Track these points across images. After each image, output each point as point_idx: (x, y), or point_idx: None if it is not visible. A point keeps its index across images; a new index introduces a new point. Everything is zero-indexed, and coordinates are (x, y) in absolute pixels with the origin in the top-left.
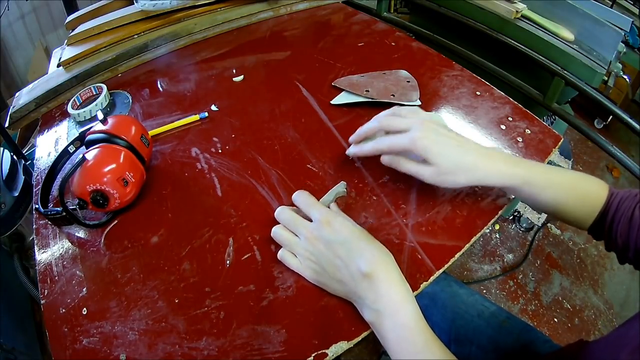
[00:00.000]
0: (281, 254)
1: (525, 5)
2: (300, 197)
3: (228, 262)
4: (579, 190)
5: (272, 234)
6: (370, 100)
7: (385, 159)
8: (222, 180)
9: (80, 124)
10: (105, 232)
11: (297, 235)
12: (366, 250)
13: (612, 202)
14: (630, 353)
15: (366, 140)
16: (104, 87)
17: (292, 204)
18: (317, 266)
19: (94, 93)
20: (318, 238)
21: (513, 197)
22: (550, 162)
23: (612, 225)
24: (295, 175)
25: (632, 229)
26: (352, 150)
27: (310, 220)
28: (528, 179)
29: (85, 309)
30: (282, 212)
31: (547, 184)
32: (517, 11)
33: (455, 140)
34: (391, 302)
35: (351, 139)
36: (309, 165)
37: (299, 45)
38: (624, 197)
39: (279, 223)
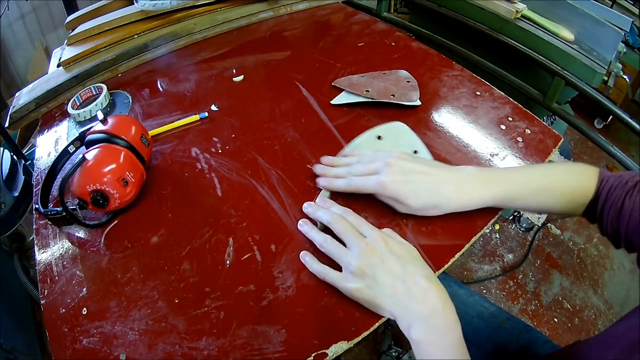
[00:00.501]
0: (322, 271)
1: (525, 5)
2: (343, 222)
3: (228, 262)
4: (566, 188)
5: (320, 244)
6: (370, 100)
7: (346, 182)
8: (222, 180)
9: (80, 124)
10: (105, 232)
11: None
12: (421, 267)
13: (602, 190)
14: (618, 352)
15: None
16: (104, 87)
17: (292, 204)
18: (369, 279)
19: (94, 93)
20: (374, 251)
21: None
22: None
23: (602, 215)
24: (295, 175)
25: (622, 219)
26: (322, 183)
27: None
28: (507, 195)
29: (85, 309)
30: (337, 223)
31: (529, 192)
32: (517, 11)
33: (423, 177)
34: (447, 321)
35: (318, 170)
36: (309, 165)
37: (299, 45)
38: (613, 185)
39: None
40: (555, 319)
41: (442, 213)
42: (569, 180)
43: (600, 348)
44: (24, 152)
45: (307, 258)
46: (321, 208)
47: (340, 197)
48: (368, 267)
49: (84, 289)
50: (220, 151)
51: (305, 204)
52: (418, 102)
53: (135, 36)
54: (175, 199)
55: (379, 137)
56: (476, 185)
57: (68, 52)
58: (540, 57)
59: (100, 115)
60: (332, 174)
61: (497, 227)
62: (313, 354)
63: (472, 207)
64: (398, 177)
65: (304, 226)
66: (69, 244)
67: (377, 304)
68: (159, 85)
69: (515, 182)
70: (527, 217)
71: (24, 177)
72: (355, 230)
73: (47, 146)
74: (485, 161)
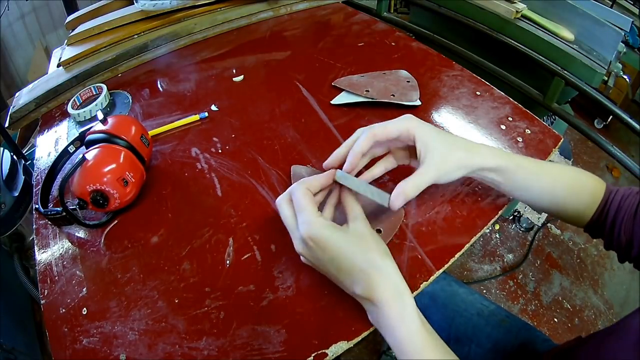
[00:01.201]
0: (283, 207)
1: (525, 5)
2: (291, 199)
3: (228, 262)
4: (576, 182)
5: (277, 203)
6: (370, 100)
7: (395, 200)
8: (222, 180)
9: (80, 124)
10: (105, 232)
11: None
12: (358, 274)
13: (613, 199)
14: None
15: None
16: (104, 87)
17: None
18: (315, 266)
19: (94, 93)
20: (305, 252)
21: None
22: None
23: (614, 222)
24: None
25: (636, 224)
26: (356, 147)
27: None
28: (521, 163)
29: (85, 309)
30: (282, 206)
31: (541, 171)
32: (517, 11)
33: (444, 131)
34: (390, 320)
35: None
36: (309, 165)
37: (299, 45)
38: (625, 194)
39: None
40: (555, 319)
41: (465, 162)
42: (580, 176)
43: (613, 342)
44: (24, 152)
45: (280, 201)
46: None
47: None
48: (310, 257)
49: (84, 289)
50: (220, 151)
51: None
52: (418, 102)
53: (135, 36)
54: (175, 199)
55: None
56: (484, 146)
57: (68, 52)
58: (540, 57)
59: (100, 115)
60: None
61: (497, 227)
62: (313, 354)
63: (489, 161)
64: (421, 124)
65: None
66: (69, 244)
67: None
68: (159, 85)
69: (524, 158)
70: (527, 217)
71: (24, 177)
72: (293, 222)
73: (47, 146)
74: None
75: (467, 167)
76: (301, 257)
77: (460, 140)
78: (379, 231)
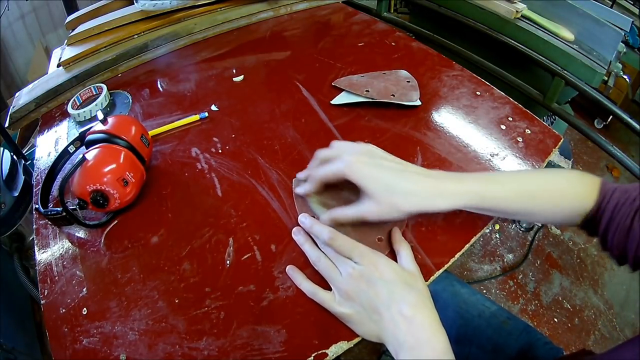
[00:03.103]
0: (311, 290)
1: (525, 5)
2: (338, 241)
3: (228, 262)
4: (559, 196)
5: (313, 261)
6: (370, 100)
7: (324, 220)
8: (222, 180)
9: (80, 124)
10: (105, 232)
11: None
12: (409, 293)
13: (606, 206)
14: None
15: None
16: (104, 87)
17: (292, 204)
18: (356, 304)
19: (94, 93)
20: (362, 276)
21: None
22: (550, 162)
23: (606, 233)
24: (295, 175)
25: (631, 241)
26: (298, 191)
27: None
28: (485, 194)
29: (85, 309)
30: (333, 242)
31: (513, 194)
32: (517, 11)
33: (393, 163)
34: (434, 351)
35: (299, 175)
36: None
37: (299, 45)
38: (619, 201)
39: (279, 223)
40: (555, 319)
41: (410, 208)
42: (562, 188)
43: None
44: (24, 152)
45: (296, 275)
46: (318, 223)
47: None
48: (355, 292)
49: (84, 289)
50: (220, 151)
51: (301, 216)
52: (418, 102)
53: (135, 36)
54: (175, 199)
55: None
56: (450, 177)
57: (68, 52)
58: (540, 57)
59: (100, 115)
60: (302, 177)
61: (497, 227)
62: (313, 354)
63: (442, 203)
64: (364, 158)
65: (297, 235)
66: (69, 244)
67: (364, 330)
68: (159, 85)
69: (497, 182)
70: None
71: (24, 177)
72: (348, 252)
73: (47, 146)
74: (485, 161)
75: (405, 212)
76: (326, 298)
77: (402, 181)
78: (380, 239)
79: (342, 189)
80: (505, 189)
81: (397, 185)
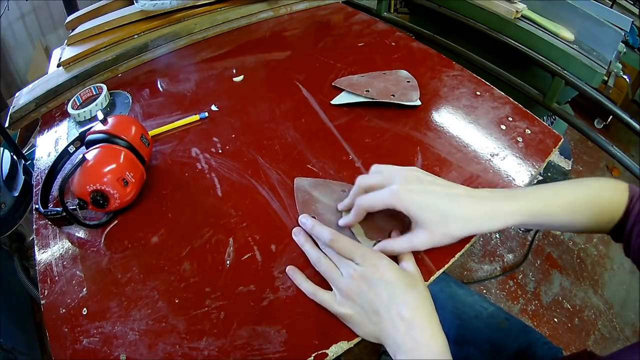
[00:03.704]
0: (311, 290)
1: (525, 5)
2: (339, 242)
3: (228, 262)
4: (595, 206)
5: (313, 261)
6: (370, 100)
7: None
8: (222, 180)
9: (80, 124)
10: (105, 232)
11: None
12: (409, 295)
13: (632, 210)
14: None
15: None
16: (104, 87)
17: (292, 204)
18: (356, 305)
19: (94, 93)
20: (363, 277)
21: None
22: (550, 162)
23: (630, 237)
24: (295, 175)
25: None
26: (341, 223)
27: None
28: (533, 211)
29: (85, 309)
30: (335, 243)
31: (558, 207)
32: (517, 11)
33: (441, 187)
34: (432, 352)
35: (340, 206)
36: (309, 165)
37: (299, 45)
38: None
39: (279, 223)
40: (555, 319)
41: (462, 233)
42: (600, 196)
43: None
44: (24, 152)
45: (296, 275)
46: (319, 224)
47: None
48: (356, 292)
49: (84, 289)
50: (220, 151)
51: (301, 217)
52: (418, 102)
53: (135, 36)
54: (175, 199)
55: None
56: (499, 197)
57: (68, 52)
58: (540, 57)
59: (100, 115)
60: (342, 208)
61: None
62: (313, 354)
63: (494, 225)
64: (413, 186)
65: (298, 236)
66: (69, 244)
67: (363, 330)
68: (159, 85)
69: (542, 196)
70: None
71: (24, 177)
72: (349, 253)
73: (47, 146)
74: (485, 161)
75: (459, 238)
76: (326, 299)
77: (457, 208)
78: (380, 242)
79: (376, 215)
80: (551, 204)
81: (452, 214)
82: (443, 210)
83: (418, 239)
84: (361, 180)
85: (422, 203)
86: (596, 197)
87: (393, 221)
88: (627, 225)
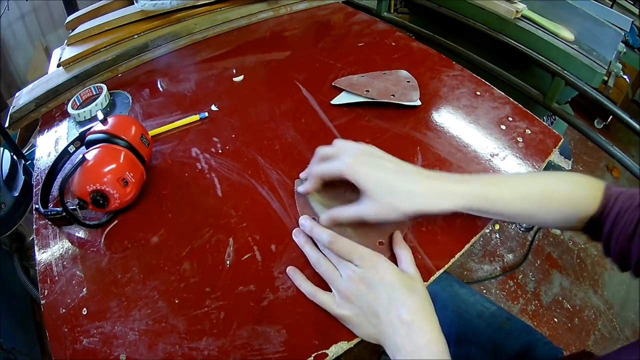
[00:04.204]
0: (311, 291)
1: (525, 5)
2: (338, 244)
3: (228, 262)
4: (559, 198)
5: (313, 262)
6: (370, 100)
7: (323, 220)
8: (222, 180)
9: (80, 124)
10: (105, 232)
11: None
12: (409, 298)
13: (610, 212)
14: None
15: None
16: (104, 87)
17: (292, 204)
18: (355, 307)
19: (94, 93)
20: (362, 279)
21: None
22: (550, 162)
23: (609, 238)
24: (295, 175)
25: (633, 247)
26: (300, 190)
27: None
28: (486, 196)
29: (85, 309)
30: (334, 245)
31: (513, 196)
32: (517, 11)
33: (392, 164)
34: (429, 356)
35: (301, 175)
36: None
37: (299, 45)
38: (623, 206)
39: (279, 223)
40: (555, 319)
41: (410, 209)
42: (563, 190)
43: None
44: (24, 152)
45: (296, 276)
46: (318, 226)
47: None
48: (355, 294)
49: (84, 289)
50: (220, 151)
51: (301, 219)
52: (418, 102)
53: (135, 36)
54: (175, 199)
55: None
56: (449, 178)
57: (68, 52)
58: (540, 57)
59: (100, 115)
60: (303, 176)
61: (497, 227)
62: (313, 354)
63: (441, 205)
64: (364, 158)
65: (298, 237)
66: (69, 244)
67: (363, 332)
68: (159, 85)
69: (497, 184)
70: None
71: (24, 177)
72: (348, 255)
73: (47, 146)
74: (485, 161)
75: (404, 212)
76: (325, 300)
77: (403, 182)
78: (381, 243)
79: (344, 190)
80: (507, 192)
81: (396, 186)
82: (389, 183)
83: (365, 208)
84: (319, 150)
85: (371, 175)
86: (561, 190)
87: (350, 192)
88: (604, 226)
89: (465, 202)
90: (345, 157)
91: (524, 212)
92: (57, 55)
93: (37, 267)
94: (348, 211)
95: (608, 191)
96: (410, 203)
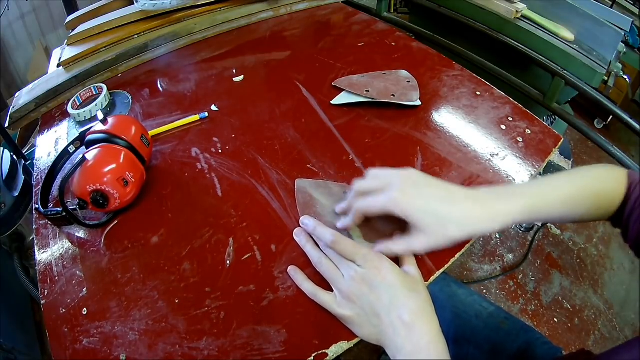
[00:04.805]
0: (312, 291)
1: (525, 5)
2: (341, 244)
3: (228, 262)
4: (595, 195)
5: (315, 262)
6: (370, 100)
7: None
8: (222, 180)
9: (80, 124)
10: (106, 232)
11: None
12: (410, 299)
13: (631, 196)
14: None
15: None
16: (104, 87)
17: (292, 204)
18: (357, 307)
19: (94, 93)
20: (364, 279)
21: None
22: (550, 162)
23: (628, 222)
24: (295, 175)
25: None
26: (340, 225)
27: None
28: (532, 209)
29: (85, 309)
30: (337, 245)
31: (558, 202)
32: (517, 11)
33: (439, 190)
34: (430, 357)
35: (338, 209)
36: (309, 165)
37: (299, 45)
38: None
39: (279, 223)
40: (555, 319)
41: (462, 236)
42: (597, 186)
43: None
44: (24, 152)
45: (297, 276)
46: (321, 225)
47: None
48: (357, 295)
49: (84, 289)
50: (220, 151)
51: (303, 218)
52: (418, 102)
53: (135, 36)
54: (175, 199)
55: None
56: (496, 196)
57: (68, 52)
58: (540, 57)
59: (100, 115)
60: (339, 210)
61: None
62: (313, 354)
63: (493, 226)
64: (410, 190)
65: (299, 237)
66: (69, 244)
67: (363, 332)
68: (159, 85)
69: (541, 193)
70: None
71: (24, 177)
72: (351, 255)
73: (47, 146)
74: (485, 161)
75: (458, 240)
76: (327, 300)
77: (455, 211)
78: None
79: (383, 222)
80: (550, 199)
81: (450, 217)
82: (441, 214)
83: (417, 242)
84: (358, 185)
85: (420, 207)
86: (594, 187)
87: (392, 224)
88: (625, 211)
89: (514, 218)
90: (391, 191)
91: (566, 215)
92: (57, 55)
93: (37, 267)
94: (398, 247)
95: (630, 178)
96: (464, 230)
